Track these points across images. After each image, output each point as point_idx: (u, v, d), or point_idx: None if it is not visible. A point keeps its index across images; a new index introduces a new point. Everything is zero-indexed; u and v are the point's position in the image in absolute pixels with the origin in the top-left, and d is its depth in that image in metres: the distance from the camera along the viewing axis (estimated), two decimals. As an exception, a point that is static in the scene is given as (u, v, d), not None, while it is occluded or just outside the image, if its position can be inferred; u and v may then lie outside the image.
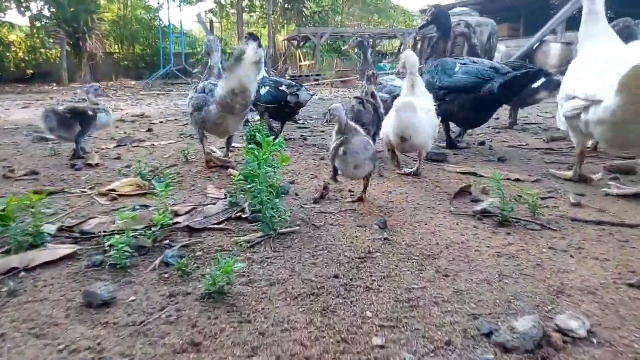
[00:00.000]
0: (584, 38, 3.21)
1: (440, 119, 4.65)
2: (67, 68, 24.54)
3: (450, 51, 5.24)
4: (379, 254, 2.03)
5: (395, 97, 4.48)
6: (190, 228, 2.32)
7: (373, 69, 5.38)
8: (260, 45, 6.04)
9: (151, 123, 7.31)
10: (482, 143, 5.06)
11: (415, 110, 3.22)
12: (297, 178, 3.52)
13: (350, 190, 3.11)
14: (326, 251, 2.06)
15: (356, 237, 2.24)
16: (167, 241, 2.17)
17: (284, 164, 2.51)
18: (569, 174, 3.41)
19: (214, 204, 2.69)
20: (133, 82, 24.02)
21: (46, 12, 26.66)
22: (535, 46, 18.30)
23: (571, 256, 2.00)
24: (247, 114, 4.02)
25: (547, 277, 1.80)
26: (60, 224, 2.41)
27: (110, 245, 1.93)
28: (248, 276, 1.81)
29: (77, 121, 4.30)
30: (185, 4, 35.53)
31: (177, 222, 2.38)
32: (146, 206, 2.71)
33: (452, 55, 5.21)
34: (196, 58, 31.20)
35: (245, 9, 32.69)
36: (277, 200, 2.24)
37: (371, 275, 1.81)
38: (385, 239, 2.19)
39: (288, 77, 21.61)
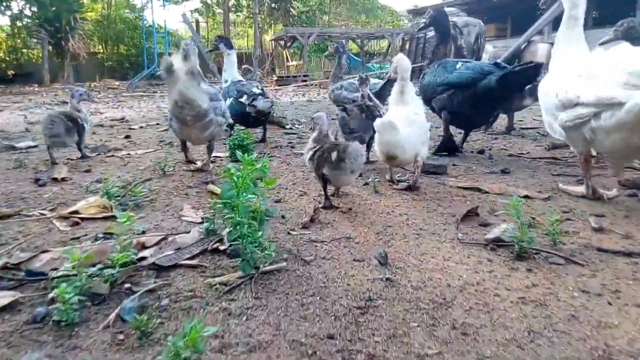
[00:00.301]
0: (563, 41, 3.15)
1: (443, 117, 4.57)
2: (49, 69, 23.96)
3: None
4: (381, 300, 1.70)
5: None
6: (158, 266, 1.98)
7: (342, 74, 5.38)
8: (231, 47, 5.79)
9: (130, 128, 6.93)
10: (481, 151, 4.76)
11: (396, 129, 3.02)
12: (284, 195, 3.18)
13: (342, 211, 2.79)
14: (318, 297, 1.73)
15: (353, 276, 1.91)
16: (128, 284, 1.82)
17: (269, 186, 2.17)
18: (581, 189, 3.11)
19: (188, 232, 2.34)
20: (117, 83, 23.47)
21: (27, 12, 26.03)
22: (523, 47, 18.22)
23: (609, 303, 1.68)
24: (220, 121, 3.85)
25: (586, 334, 1.48)
26: (6, 260, 2.06)
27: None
28: (222, 337, 1.47)
29: (76, 127, 4.28)
30: (171, 3, 34.98)
31: (143, 258, 2.04)
32: (110, 234, 2.35)
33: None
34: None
35: (232, 9, 32.23)
36: (260, 233, 1.91)
37: (374, 334, 1.48)
38: (387, 279, 1.86)
39: (275, 77, 21.28)
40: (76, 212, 2.76)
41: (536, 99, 5.64)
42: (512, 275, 1.91)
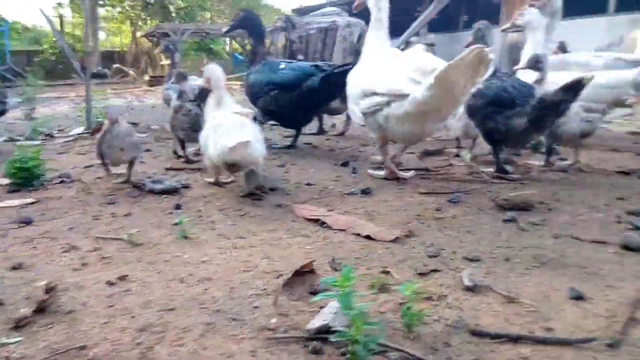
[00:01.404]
0: (371, 41, 3.53)
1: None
2: None
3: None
4: None
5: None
6: None
7: (181, 71, 5.17)
8: None
9: None
10: (345, 164, 4.00)
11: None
12: (35, 252, 2.12)
13: (108, 282, 1.82)
14: None
15: None
16: None
17: None
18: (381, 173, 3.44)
19: None
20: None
21: None
22: (402, 47, 18.42)
23: None
24: None
25: None
26: None
27: None
28: None
29: None
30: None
31: None
32: None
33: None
34: (43, 57, 27.66)
35: (100, 3, 29.48)
36: None
37: None
38: None
39: (148, 78, 19.47)
40: None
41: (343, 102, 5.28)
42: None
